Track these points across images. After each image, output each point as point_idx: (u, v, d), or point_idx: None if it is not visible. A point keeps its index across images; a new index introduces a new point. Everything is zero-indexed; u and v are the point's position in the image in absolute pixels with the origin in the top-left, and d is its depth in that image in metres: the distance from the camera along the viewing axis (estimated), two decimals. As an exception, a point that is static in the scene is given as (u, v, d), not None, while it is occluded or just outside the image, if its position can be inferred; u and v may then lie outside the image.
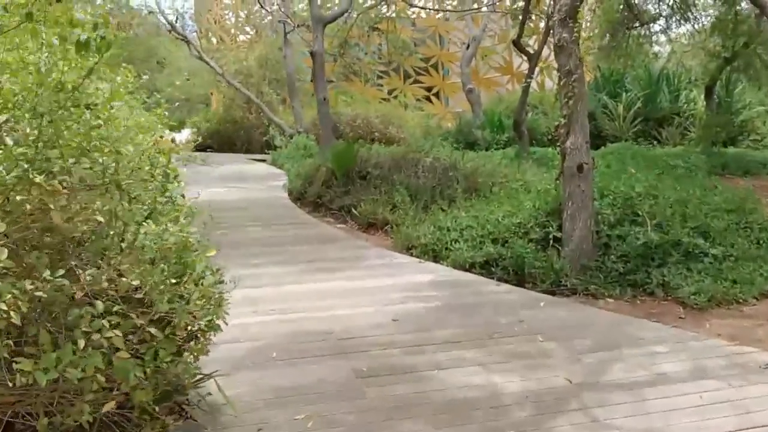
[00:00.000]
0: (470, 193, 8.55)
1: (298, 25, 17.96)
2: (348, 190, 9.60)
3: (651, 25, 18.98)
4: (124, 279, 2.44)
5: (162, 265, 2.58)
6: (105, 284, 2.39)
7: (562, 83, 5.80)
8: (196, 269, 2.88)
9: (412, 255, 6.86)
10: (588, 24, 20.93)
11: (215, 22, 26.01)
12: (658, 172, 8.56)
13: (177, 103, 29.56)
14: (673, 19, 18.42)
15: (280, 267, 6.28)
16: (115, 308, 2.42)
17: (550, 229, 6.02)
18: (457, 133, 15.98)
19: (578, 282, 5.55)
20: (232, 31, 26.36)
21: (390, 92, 23.88)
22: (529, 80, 12.86)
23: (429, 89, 24.10)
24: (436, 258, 6.58)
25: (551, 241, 5.94)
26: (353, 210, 8.93)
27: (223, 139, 22.52)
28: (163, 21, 20.36)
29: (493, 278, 5.81)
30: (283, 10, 18.86)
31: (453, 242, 6.51)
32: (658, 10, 17.74)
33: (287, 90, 20.17)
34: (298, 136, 17.15)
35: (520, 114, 13.19)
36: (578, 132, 5.79)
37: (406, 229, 7.31)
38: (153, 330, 2.55)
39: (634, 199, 6.24)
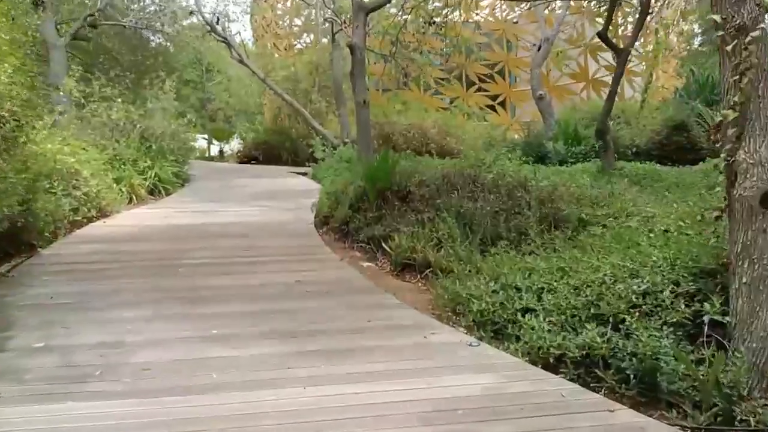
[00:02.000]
0: (548, 226, 6.03)
1: (344, 22, 15.87)
2: (381, 215, 7.26)
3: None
4: None
5: None
6: None
7: (731, 48, 3.26)
8: None
9: (460, 325, 4.43)
10: (676, 21, 17.93)
11: (268, 28, 24.48)
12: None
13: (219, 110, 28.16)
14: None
15: (255, 346, 3.94)
16: None
17: (706, 305, 3.45)
18: (525, 145, 13.69)
19: (768, 414, 2.98)
20: (284, 37, 24.76)
21: (451, 101, 21.52)
22: (618, 74, 10.40)
23: (494, 98, 21.63)
24: (498, 335, 4.11)
25: (706, 328, 3.37)
26: (384, 244, 6.59)
27: (270, 150, 21.08)
28: (203, 22, 18.71)
29: (599, 391, 3.29)
30: (330, 6, 16.81)
31: (526, 313, 4.04)
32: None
33: (334, 96, 18.18)
34: (343, 147, 15.13)
35: (605, 121, 10.72)
36: (761, 134, 3.23)
37: (451, 282, 4.88)
38: None
39: None
